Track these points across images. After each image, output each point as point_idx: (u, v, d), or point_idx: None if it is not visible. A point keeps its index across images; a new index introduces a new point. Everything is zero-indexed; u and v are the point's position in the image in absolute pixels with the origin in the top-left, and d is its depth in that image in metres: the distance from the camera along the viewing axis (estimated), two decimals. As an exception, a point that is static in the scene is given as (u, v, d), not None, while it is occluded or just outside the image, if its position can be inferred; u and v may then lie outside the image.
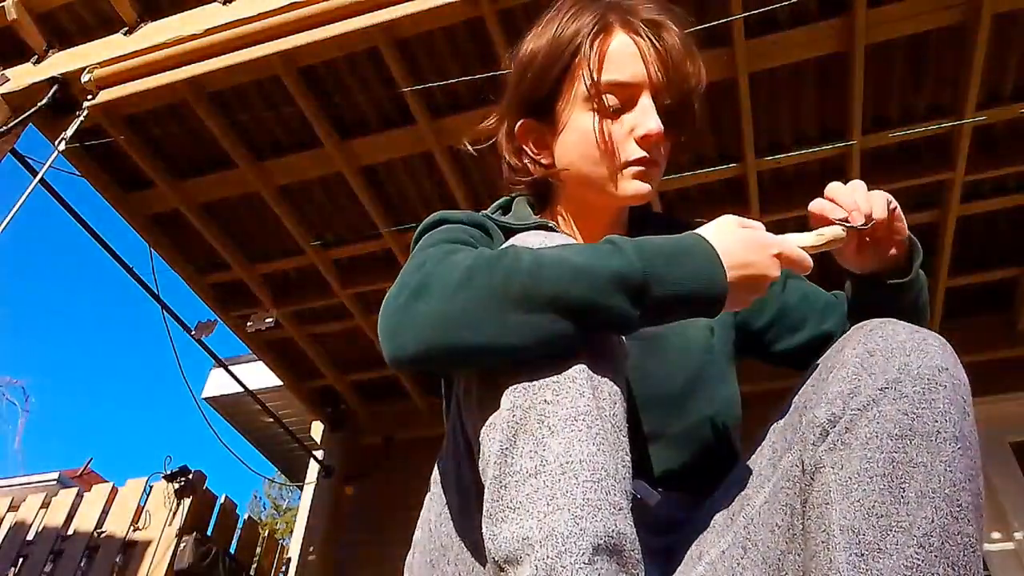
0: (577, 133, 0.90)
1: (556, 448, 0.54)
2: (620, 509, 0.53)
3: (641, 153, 0.88)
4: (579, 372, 0.58)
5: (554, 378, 0.57)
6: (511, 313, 0.59)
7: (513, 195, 1.01)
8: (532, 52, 0.93)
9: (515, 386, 0.57)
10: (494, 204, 1.01)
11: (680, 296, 0.63)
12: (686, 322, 0.88)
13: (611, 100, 0.88)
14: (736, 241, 0.68)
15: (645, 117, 0.88)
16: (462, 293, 0.61)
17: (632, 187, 0.89)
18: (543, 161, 0.96)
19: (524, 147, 0.97)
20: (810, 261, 0.73)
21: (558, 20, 0.92)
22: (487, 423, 0.58)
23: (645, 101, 0.88)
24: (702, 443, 0.85)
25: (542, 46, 0.92)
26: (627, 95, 0.89)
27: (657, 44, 0.89)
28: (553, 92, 0.92)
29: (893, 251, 0.83)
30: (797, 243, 0.74)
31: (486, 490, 0.56)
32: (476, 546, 0.62)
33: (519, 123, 0.96)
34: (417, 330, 0.61)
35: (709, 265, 0.65)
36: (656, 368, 0.85)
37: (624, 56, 0.89)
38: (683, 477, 0.82)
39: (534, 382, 0.57)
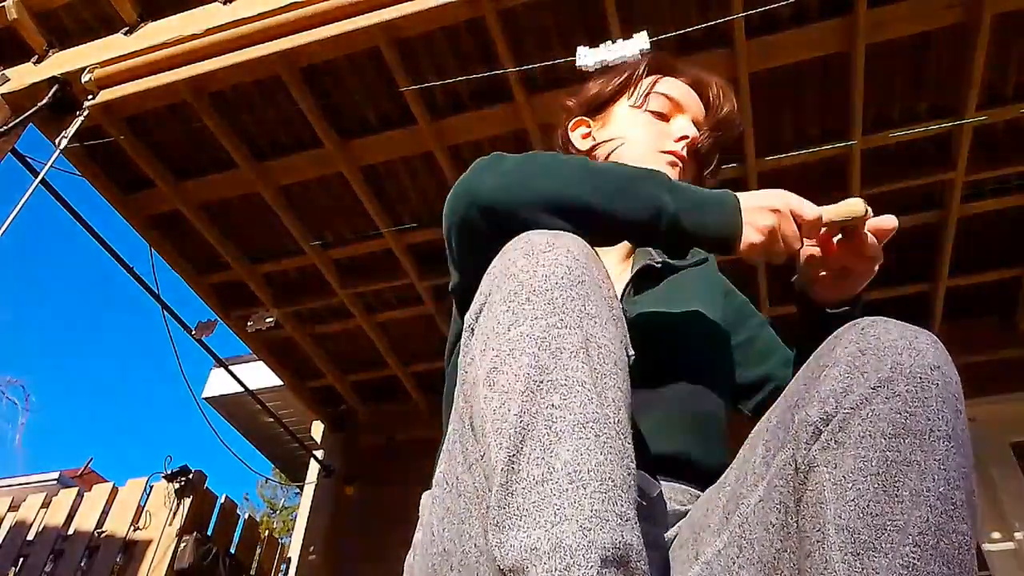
0: (624, 119, 1.07)
1: (564, 455, 0.53)
2: (627, 520, 0.52)
3: (676, 147, 1.02)
4: (586, 376, 0.58)
5: (562, 381, 0.57)
6: (581, 173, 0.77)
7: None
8: (600, 80, 1.13)
9: (522, 390, 0.57)
10: None
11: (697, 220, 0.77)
12: (697, 311, 0.96)
13: (660, 105, 1.05)
14: (754, 192, 0.81)
15: (684, 123, 1.04)
16: (538, 160, 0.79)
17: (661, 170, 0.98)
18: (583, 146, 1.11)
19: (570, 135, 1.12)
20: (815, 209, 0.79)
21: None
22: (494, 428, 0.57)
23: (688, 117, 1.06)
24: (702, 433, 0.88)
25: (611, 74, 1.13)
26: (672, 109, 1.06)
27: (710, 95, 1.08)
28: (612, 97, 1.10)
29: (854, 284, 0.88)
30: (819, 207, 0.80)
31: (492, 497, 0.55)
32: (480, 552, 0.61)
33: (574, 120, 1.13)
34: (502, 175, 0.77)
35: (728, 205, 0.78)
36: (664, 358, 0.88)
37: (680, 87, 1.08)
38: (682, 467, 0.84)
39: (541, 386, 0.57)
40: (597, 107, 1.12)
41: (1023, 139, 2.58)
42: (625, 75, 1.09)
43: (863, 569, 0.52)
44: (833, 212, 0.80)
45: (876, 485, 0.53)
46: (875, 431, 0.55)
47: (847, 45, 2.29)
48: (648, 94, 1.05)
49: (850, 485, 0.54)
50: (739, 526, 0.65)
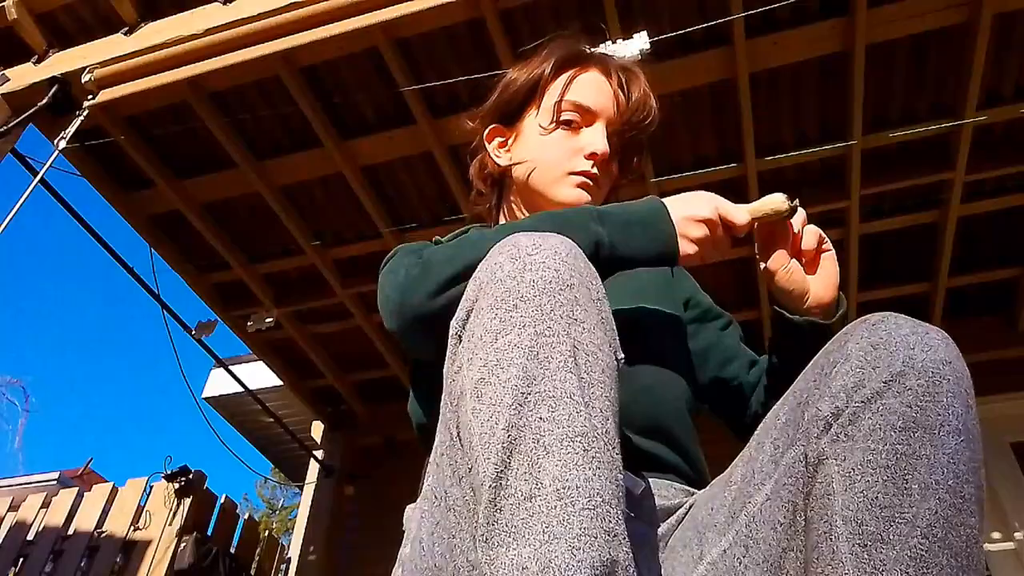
0: (535, 137, 1.03)
1: (552, 470, 0.53)
2: (615, 536, 0.52)
3: (586, 166, 0.99)
4: (574, 387, 0.57)
5: (550, 393, 0.56)
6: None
7: (469, 227, 1.11)
8: (515, 76, 1.08)
9: (510, 403, 0.56)
10: (450, 234, 1.10)
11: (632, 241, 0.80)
12: (664, 309, 0.98)
13: (571, 116, 1.01)
14: (684, 197, 0.84)
15: (595, 138, 1.00)
16: (464, 247, 0.77)
17: (572, 194, 0.99)
18: (501, 161, 1.08)
19: (487, 146, 1.09)
20: (744, 214, 0.83)
21: (543, 54, 1.07)
22: (481, 441, 0.56)
23: (599, 127, 1.01)
24: (674, 427, 0.90)
25: (525, 71, 1.06)
26: (585, 118, 1.02)
27: (623, 91, 1.03)
28: (524, 103, 1.06)
29: (823, 296, 0.89)
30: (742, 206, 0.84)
31: (481, 512, 0.54)
32: (472, 567, 0.60)
33: (489, 128, 1.10)
34: (436, 277, 0.77)
35: (660, 222, 0.82)
36: (639, 358, 0.88)
37: (592, 86, 1.03)
38: (661, 462, 0.86)
39: (529, 398, 0.56)
40: (510, 115, 1.08)
41: (1023, 139, 2.58)
42: (536, 76, 1.04)
43: (871, 560, 0.52)
44: (757, 209, 0.84)
45: (885, 477, 0.53)
46: (885, 425, 0.55)
47: (847, 45, 2.29)
48: (555, 107, 1.01)
49: (859, 477, 0.54)
50: (746, 525, 0.64)
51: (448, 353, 0.66)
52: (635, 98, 1.03)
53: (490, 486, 0.54)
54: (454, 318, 0.66)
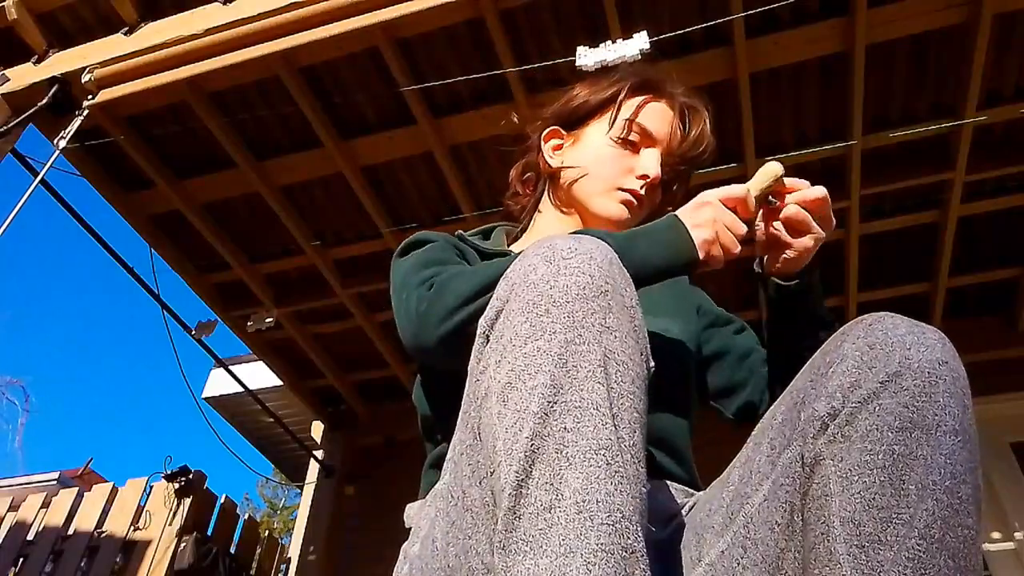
0: (593, 147, 1.06)
1: (573, 483, 0.52)
2: (633, 552, 0.51)
3: (635, 186, 1.03)
4: (602, 398, 0.56)
5: (576, 403, 0.55)
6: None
7: (496, 225, 1.16)
8: (583, 91, 1.11)
9: (536, 411, 0.56)
10: (476, 229, 1.15)
11: (657, 255, 0.81)
12: (675, 323, 1.00)
13: (633, 137, 1.04)
14: (691, 205, 0.86)
15: (651, 161, 1.04)
16: (478, 273, 0.79)
17: (614, 208, 1.03)
18: (553, 162, 1.11)
19: (543, 145, 1.12)
20: (742, 188, 0.86)
21: (618, 75, 1.11)
22: (505, 447, 0.56)
23: (656, 153, 1.05)
24: (680, 439, 0.92)
25: (595, 87, 1.10)
26: (645, 142, 1.05)
27: (684, 125, 1.08)
28: (590, 114, 1.09)
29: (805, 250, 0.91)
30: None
31: (500, 519, 0.54)
32: (487, 570, 0.59)
33: (549, 128, 1.13)
34: (448, 309, 0.78)
35: (674, 233, 0.83)
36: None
37: (658, 114, 1.06)
38: (665, 470, 0.87)
39: (555, 407, 0.55)
40: (574, 121, 1.11)
41: (1023, 139, 2.58)
42: (608, 94, 1.08)
43: (868, 561, 0.52)
44: (756, 184, 0.87)
45: (882, 478, 0.53)
46: (882, 425, 0.55)
47: (847, 45, 2.29)
48: (624, 124, 1.05)
49: (856, 478, 0.54)
50: (744, 526, 0.64)
51: (474, 352, 0.66)
52: (694, 135, 1.07)
53: (510, 494, 0.54)
54: (482, 317, 0.65)
